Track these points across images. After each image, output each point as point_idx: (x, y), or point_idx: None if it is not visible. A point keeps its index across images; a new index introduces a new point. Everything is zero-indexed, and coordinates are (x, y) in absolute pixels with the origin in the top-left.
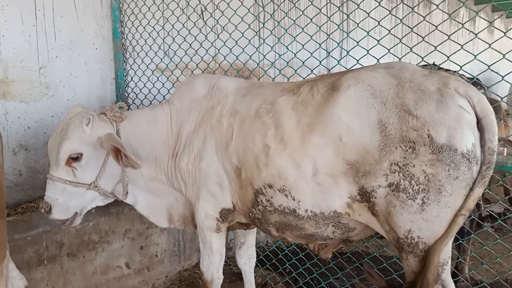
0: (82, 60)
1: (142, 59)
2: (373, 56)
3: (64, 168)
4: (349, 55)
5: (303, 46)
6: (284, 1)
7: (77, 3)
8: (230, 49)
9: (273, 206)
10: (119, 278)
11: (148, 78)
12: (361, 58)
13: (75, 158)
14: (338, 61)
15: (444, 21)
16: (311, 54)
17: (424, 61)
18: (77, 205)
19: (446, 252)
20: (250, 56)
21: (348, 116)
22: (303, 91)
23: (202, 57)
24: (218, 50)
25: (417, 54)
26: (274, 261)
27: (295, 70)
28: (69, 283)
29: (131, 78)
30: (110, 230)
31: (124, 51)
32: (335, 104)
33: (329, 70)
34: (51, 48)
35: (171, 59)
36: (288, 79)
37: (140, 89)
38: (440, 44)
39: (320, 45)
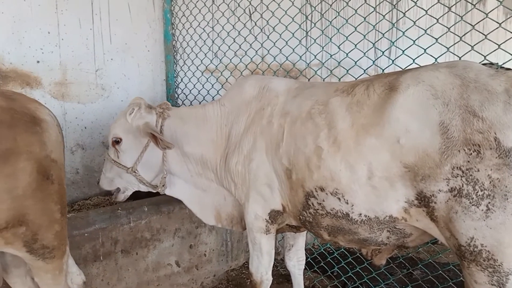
0: (135, 62)
1: (192, 61)
2: (430, 55)
3: (111, 148)
4: (405, 54)
5: (355, 45)
6: (335, 1)
7: (131, 6)
8: (280, 50)
9: (325, 210)
10: (170, 275)
11: (198, 79)
12: (418, 57)
13: (117, 142)
14: (393, 61)
15: (508, 18)
16: (364, 53)
17: (487, 60)
18: (119, 183)
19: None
20: (300, 57)
21: (406, 117)
22: (358, 91)
23: (251, 58)
24: (268, 51)
25: (479, 53)
26: (322, 264)
27: (347, 70)
28: (123, 279)
29: (181, 80)
30: (161, 229)
31: (175, 53)
32: (393, 105)
33: (383, 70)
34: (106, 51)
35: (220, 60)
36: (340, 79)
37: (190, 90)
38: (503, 43)
39: (374, 44)
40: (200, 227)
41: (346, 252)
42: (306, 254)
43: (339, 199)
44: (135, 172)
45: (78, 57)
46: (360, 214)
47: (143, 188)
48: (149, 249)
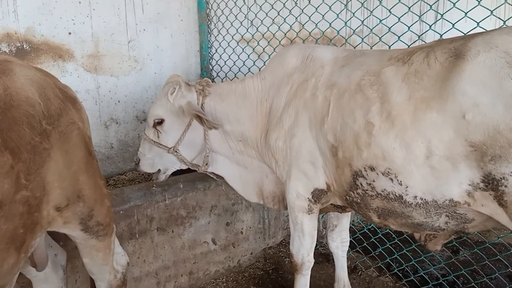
0: (168, 32)
1: (227, 30)
2: (472, 19)
3: (151, 129)
4: (455, 28)
5: (399, 19)
6: None
7: None
8: (323, 16)
9: (375, 191)
10: (206, 253)
11: (233, 49)
12: (458, 21)
13: (159, 123)
14: (441, 35)
15: None
16: (409, 28)
17: None
18: (160, 163)
19: None
20: (345, 23)
21: (475, 90)
22: (416, 59)
23: (291, 26)
24: (309, 17)
25: None
26: (365, 244)
27: (389, 46)
28: (159, 257)
29: (216, 50)
30: (197, 206)
31: (209, 22)
32: (459, 75)
33: (419, 37)
34: (139, 21)
35: (257, 28)
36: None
37: (225, 62)
38: None
39: (420, 17)
40: (236, 204)
41: (391, 233)
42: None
43: (391, 179)
44: (176, 152)
45: (110, 28)
46: (416, 196)
47: (184, 167)
48: (185, 226)
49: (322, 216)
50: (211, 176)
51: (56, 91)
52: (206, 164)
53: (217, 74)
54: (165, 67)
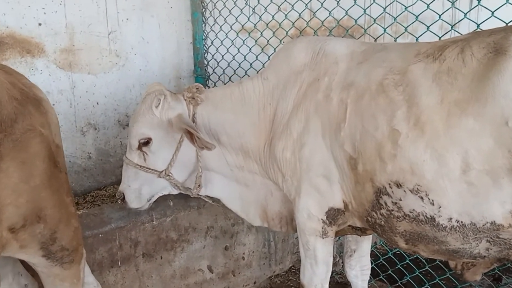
0: (155, 22)
1: (225, 19)
2: None
3: (135, 152)
4: (494, 17)
5: (428, 6)
6: None
7: None
8: (338, 1)
9: (402, 211)
10: (201, 283)
11: (232, 41)
12: (498, 8)
13: (145, 143)
14: (478, 25)
15: None
16: (440, 16)
17: None
18: (149, 191)
19: None
20: (365, 10)
21: None
22: (449, 55)
23: (300, 14)
24: (322, 4)
25: None
26: (390, 272)
27: (417, 38)
28: None
29: (212, 42)
30: (190, 227)
31: (204, 10)
32: (500, 74)
33: (452, 27)
34: (121, 9)
35: (260, 17)
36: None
37: (222, 56)
38: None
39: (452, 4)
40: (237, 224)
41: (421, 259)
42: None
43: (421, 198)
44: (169, 175)
45: (87, 17)
46: (450, 218)
47: (175, 192)
48: (176, 252)
49: (338, 238)
50: (206, 200)
51: (13, 91)
52: (199, 185)
53: (213, 70)
54: (152, 62)
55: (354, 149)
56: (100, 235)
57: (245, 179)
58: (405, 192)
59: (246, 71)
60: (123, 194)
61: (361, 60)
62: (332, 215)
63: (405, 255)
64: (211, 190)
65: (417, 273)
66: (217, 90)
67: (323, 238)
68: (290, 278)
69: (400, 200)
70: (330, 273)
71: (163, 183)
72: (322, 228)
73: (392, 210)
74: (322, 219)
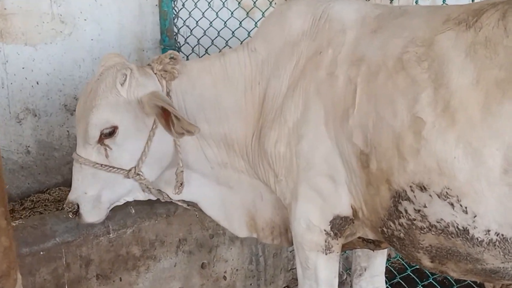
0: None
1: None
2: None
3: (94, 147)
4: None
5: None
6: None
7: None
8: None
9: (427, 221)
10: None
11: (209, 3)
12: None
13: (109, 134)
14: None
15: None
16: None
17: None
18: (110, 198)
19: None
20: None
21: None
22: (487, 22)
23: None
24: None
25: None
26: None
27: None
28: None
29: (183, 4)
30: (157, 240)
31: None
32: None
33: None
34: None
35: None
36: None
37: (196, 22)
38: None
39: None
40: (217, 235)
41: (448, 277)
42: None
43: (452, 204)
44: (138, 174)
45: None
46: (488, 230)
47: (142, 198)
48: (139, 272)
49: (344, 252)
50: (179, 204)
51: None
52: (181, 184)
53: (185, 40)
54: (107, 30)
55: (366, 141)
56: (41, 253)
57: (228, 179)
58: (431, 196)
59: (227, 42)
60: (77, 205)
61: (374, 28)
62: (338, 225)
63: (428, 273)
64: (186, 192)
65: None
66: (194, 62)
67: (326, 254)
68: None
69: (425, 207)
70: None
71: (130, 185)
72: (325, 242)
73: (415, 220)
74: (325, 230)
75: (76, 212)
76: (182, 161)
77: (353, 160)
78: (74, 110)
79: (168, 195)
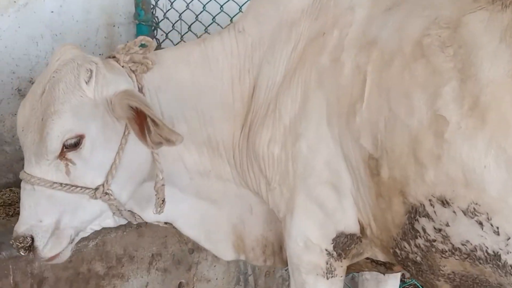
0: None
1: None
2: None
3: (52, 162)
4: None
5: None
6: None
7: None
8: None
9: (450, 243)
10: None
11: None
12: None
13: (73, 145)
14: None
15: None
16: None
17: None
18: (73, 225)
19: None
20: None
21: None
22: None
23: None
24: None
25: None
26: None
27: None
28: None
29: None
30: (125, 255)
31: None
32: None
33: None
34: None
35: None
36: None
37: None
38: None
39: None
40: (197, 250)
41: None
42: None
43: (480, 224)
44: (107, 193)
45: None
46: None
47: (116, 222)
48: None
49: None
50: (156, 223)
51: None
52: (163, 201)
53: (164, 14)
54: (69, 1)
55: (376, 144)
56: None
57: (211, 192)
58: (455, 213)
59: (214, 17)
60: (30, 237)
61: (389, 5)
62: (343, 244)
63: None
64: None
65: None
66: (168, 51)
67: (327, 278)
68: None
69: (447, 225)
70: None
71: (97, 208)
72: (327, 263)
73: (434, 241)
74: (326, 250)
75: (30, 247)
76: (161, 171)
77: (361, 166)
78: None
79: (140, 216)
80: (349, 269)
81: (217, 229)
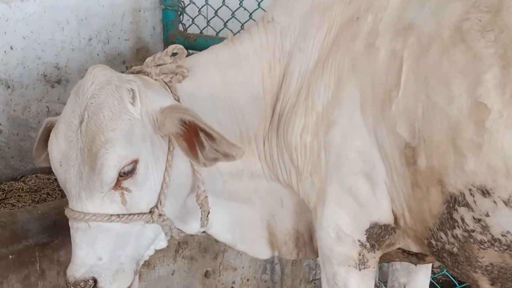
0: None
1: None
2: None
3: (106, 194)
4: None
5: None
6: None
7: None
8: None
9: (490, 234)
10: None
11: None
12: None
13: (128, 172)
14: None
15: None
16: None
17: None
18: (135, 256)
19: None
20: None
21: None
22: None
23: None
24: None
25: None
26: None
27: None
28: None
29: None
30: None
31: None
32: None
33: None
34: None
35: None
36: None
37: None
38: None
39: None
40: None
41: None
42: None
43: None
44: (161, 215)
45: None
46: None
47: (164, 244)
48: None
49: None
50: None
51: None
52: (208, 213)
53: (199, 11)
54: None
55: (413, 132)
56: (10, 257)
57: (243, 192)
58: (496, 203)
59: (241, 2)
60: (93, 280)
61: None
62: (376, 235)
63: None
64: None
65: None
66: (196, 56)
67: (360, 269)
68: None
69: (487, 215)
70: None
71: (151, 232)
72: (359, 255)
73: (473, 231)
74: (359, 241)
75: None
76: (202, 184)
77: (396, 155)
78: (56, 82)
79: (181, 230)
80: (380, 260)
81: (251, 228)
